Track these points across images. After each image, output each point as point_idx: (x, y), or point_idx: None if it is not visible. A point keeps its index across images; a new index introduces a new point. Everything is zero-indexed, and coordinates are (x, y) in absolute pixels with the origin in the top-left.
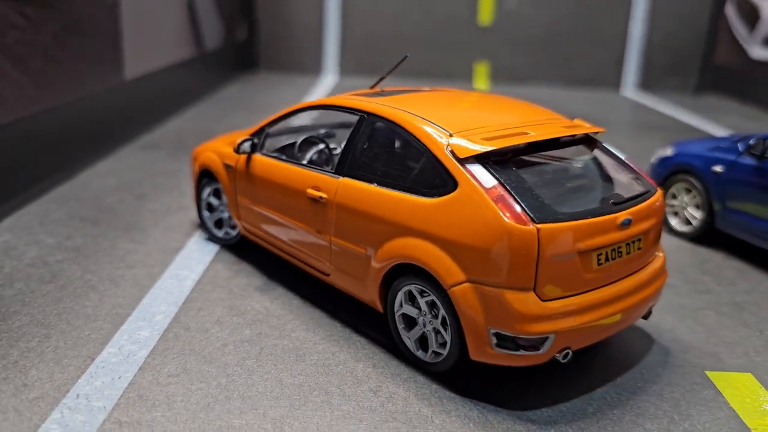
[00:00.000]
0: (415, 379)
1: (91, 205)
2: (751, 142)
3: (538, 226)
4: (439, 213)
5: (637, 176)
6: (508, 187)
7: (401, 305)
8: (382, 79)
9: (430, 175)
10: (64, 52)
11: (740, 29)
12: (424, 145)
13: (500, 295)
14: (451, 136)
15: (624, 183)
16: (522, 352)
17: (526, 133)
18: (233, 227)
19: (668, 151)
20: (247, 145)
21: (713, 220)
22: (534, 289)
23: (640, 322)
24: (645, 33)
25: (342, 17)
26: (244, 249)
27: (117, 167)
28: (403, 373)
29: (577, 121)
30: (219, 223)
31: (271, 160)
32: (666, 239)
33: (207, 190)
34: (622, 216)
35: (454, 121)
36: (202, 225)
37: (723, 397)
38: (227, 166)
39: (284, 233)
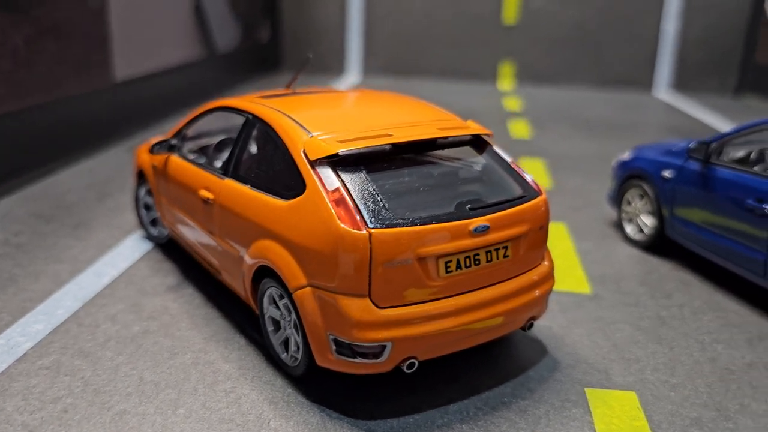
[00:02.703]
0: (273, 383)
1: (51, 203)
2: (691, 145)
3: (371, 231)
4: (290, 215)
5: (520, 181)
6: (350, 190)
7: (267, 307)
8: (294, 79)
9: (287, 176)
10: (39, 55)
11: None
12: (285, 146)
13: (336, 301)
14: (310, 137)
15: (500, 188)
16: (360, 360)
17: (390, 135)
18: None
19: (626, 155)
20: (160, 147)
21: (664, 228)
22: (369, 296)
23: (542, 333)
24: (680, 30)
25: (366, 17)
26: (174, 248)
27: (97, 167)
28: (266, 376)
29: (469, 123)
30: (155, 222)
31: (181, 162)
32: (620, 247)
33: (143, 190)
34: (476, 222)
35: (323, 122)
36: (140, 223)
37: (591, 416)
38: (154, 167)
39: (190, 233)
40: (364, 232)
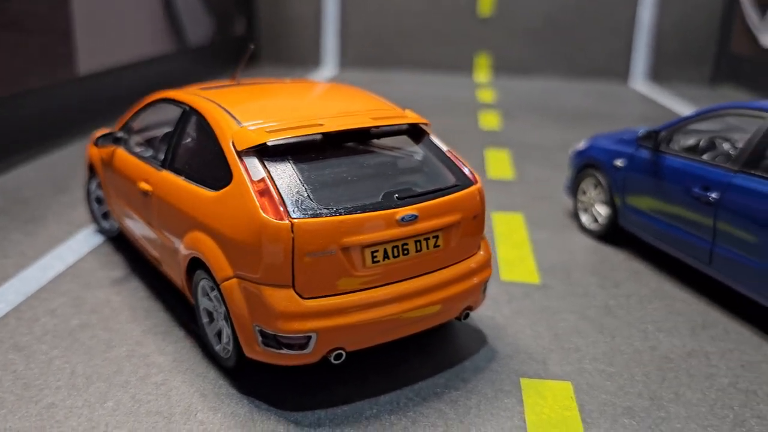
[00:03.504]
0: (206, 375)
1: (7, 198)
2: (640, 133)
3: (294, 221)
4: (217, 206)
5: (455, 170)
6: (276, 180)
7: (201, 299)
8: (236, 70)
9: (217, 167)
10: None
11: (752, 16)
12: (216, 136)
13: (261, 292)
14: (239, 127)
15: (433, 177)
16: (286, 351)
17: (321, 125)
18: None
19: (582, 145)
20: (104, 140)
21: (617, 217)
22: (293, 287)
23: (484, 324)
24: (655, 20)
25: (342, 10)
26: (125, 241)
27: (58, 162)
28: (199, 368)
29: (407, 112)
30: (108, 216)
31: (125, 154)
32: (575, 237)
33: (94, 183)
34: (403, 211)
35: (255, 113)
36: (92, 217)
37: (522, 407)
38: (102, 160)
39: (134, 225)
40: (287, 222)
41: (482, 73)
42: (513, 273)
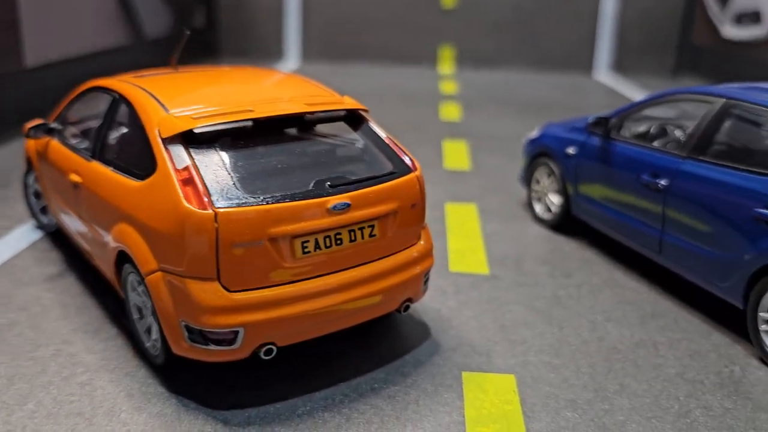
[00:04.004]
0: (135, 374)
1: None
2: (590, 120)
3: (218, 210)
4: (141, 196)
5: (394, 157)
6: (200, 169)
7: (130, 294)
8: (173, 58)
9: (143, 156)
10: None
11: (713, 7)
12: (142, 124)
13: (186, 286)
14: (166, 114)
15: (370, 164)
16: (213, 347)
17: (251, 111)
18: None
19: (534, 133)
20: (36, 131)
21: (570, 206)
22: (219, 279)
23: (428, 316)
24: (618, 12)
25: (304, 1)
26: (63, 237)
27: (2, 155)
28: (128, 367)
29: (345, 98)
30: (46, 210)
31: (58, 145)
32: (528, 227)
33: (31, 176)
34: (335, 200)
35: (185, 99)
36: (30, 212)
37: (462, 401)
38: (37, 152)
39: (67, 218)
40: (210, 211)
41: (446, 65)
42: (462, 264)
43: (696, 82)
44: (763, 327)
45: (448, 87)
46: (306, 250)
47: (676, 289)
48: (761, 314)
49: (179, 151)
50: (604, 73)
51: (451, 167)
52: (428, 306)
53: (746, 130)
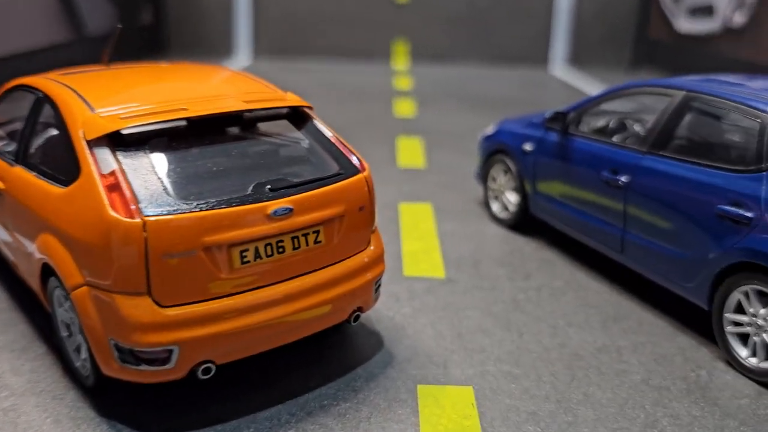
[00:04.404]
0: (63, 397)
1: None
2: (547, 115)
3: (146, 218)
4: (64, 204)
5: (340, 157)
6: (128, 173)
7: (57, 309)
8: (104, 54)
9: (66, 160)
10: None
11: (667, 1)
12: (66, 125)
13: (114, 301)
14: (92, 113)
15: (314, 166)
16: (146, 367)
17: (185, 109)
18: None
19: (490, 129)
20: None
21: (528, 205)
22: (149, 294)
23: (381, 325)
24: (573, 5)
25: None
26: None
27: None
28: (57, 390)
29: (288, 95)
30: None
31: None
32: (485, 227)
33: None
34: (275, 204)
35: (113, 98)
36: None
37: (417, 417)
38: None
39: None
40: (138, 220)
41: (399, 61)
42: (417, 267)
43: (652, 75)
44: (728, 329)
45: (402, 83)
46: (245, 259)
47: (639, 289)
48: (727, 315)
49: (105, 155)
50: (560, 68)
51: (405, 165)
52: (381, 314)
53: (707, 123)
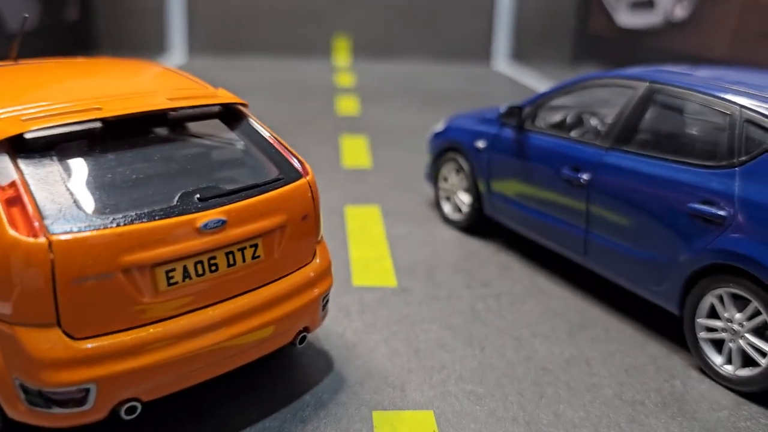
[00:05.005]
0: None
1: None
2: (501, 110)
3: (53, 237)
4: None
5: (280, 160)
6: (30, 185)
7: None
8: (12, 47)
9: None
10: None
11: None
12: None
13: (16, 334)
14: None
15: (250, 170)
16: (59, 410)
17: (99, 109)
18: None
19: (439, 126)
20: None
21: (482, 206)
22: (59, 325)
23: (331, 343)
24: (516, 1)
25: None
26: None
27: None
28: None
29: (219, 91)
30: None
31: None
32: (437, 230)
33: None
34: (206, 216)
35: (15, 96)
36: None
37: None
38: None
39: None
40: (42, 239)
41: (341, 56)
42: (367, 276)
43: (594, 70)
44: (702, 335)
45: (344, 79)
46: (172, 280)
47: (603, 294)
48: (699, 321)
49: (4, 163)
50: (503, 63)
51: (351, 165)
52: (330, 330)
53: (675, 116)
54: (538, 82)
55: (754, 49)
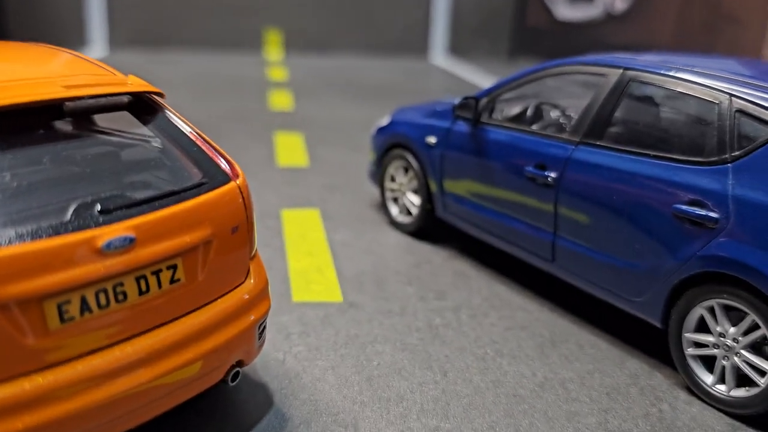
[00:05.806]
0: None
1: None
2: (456, 102)
3: None
4: None
5: (204, 161)
6: None
7: None
8: None
9: None
10: None
11: None
12: None
13: None
14: None
15: (166, 174)
16: None
17: None
18: None
19: (384, 121)
20: None
21: (434, 207)
22: None
23: (270, 373)
24: None
25: None
26: None
27: None
28: None
29: (129, 78)
30: None
31: None
32: (384, 235)
33: None
34: (110, 233)
35: None
36: None
37: None
38: None
39: None
40: None
41: (273, 50)
42: (308, 290)
43: (531, 63)
44: (689, 351)
45: (277, 73)
46: (66, 315)
47: (572, 305)
48: (687, 335)
49: None
50: (440, 56)
51: (286, 164)
52: (268, 357)
53: (655, 107)
54: (475, 76)
55: (697, 39)
